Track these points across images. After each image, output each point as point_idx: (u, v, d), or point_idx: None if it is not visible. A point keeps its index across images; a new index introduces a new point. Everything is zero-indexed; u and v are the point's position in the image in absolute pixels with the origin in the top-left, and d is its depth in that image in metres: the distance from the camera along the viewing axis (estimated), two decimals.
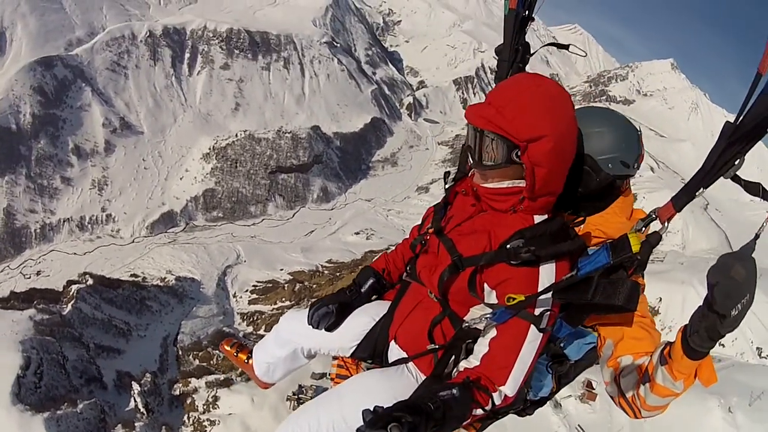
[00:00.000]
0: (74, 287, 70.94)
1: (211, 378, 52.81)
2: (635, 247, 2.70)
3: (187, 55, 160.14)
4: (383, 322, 3.68)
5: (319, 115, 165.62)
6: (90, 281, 75.11)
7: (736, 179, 2.53)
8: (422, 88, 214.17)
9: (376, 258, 4.26)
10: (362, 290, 3.92)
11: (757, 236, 2.32)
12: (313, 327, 3.74)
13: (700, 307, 2.40)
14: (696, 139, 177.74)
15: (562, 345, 3.27)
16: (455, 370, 3.12)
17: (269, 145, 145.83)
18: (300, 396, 45.15)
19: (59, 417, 42.66)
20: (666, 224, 2.75)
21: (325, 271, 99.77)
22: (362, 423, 2.19)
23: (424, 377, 3.34)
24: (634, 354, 3.00)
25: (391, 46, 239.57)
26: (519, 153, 2.82)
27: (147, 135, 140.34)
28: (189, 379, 54.11)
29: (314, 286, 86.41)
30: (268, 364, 4.23)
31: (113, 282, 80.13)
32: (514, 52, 3.78)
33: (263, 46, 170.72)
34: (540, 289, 2.83)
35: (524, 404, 3.40)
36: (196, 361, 63.98)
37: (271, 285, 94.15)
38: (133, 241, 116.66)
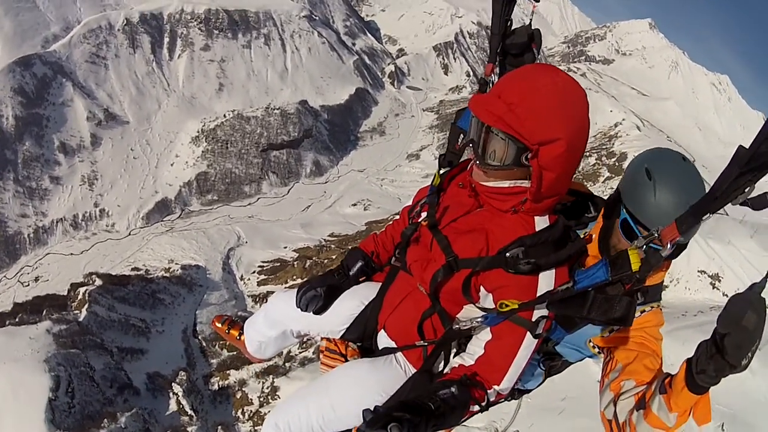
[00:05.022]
0: (82, 290, 69.37)
1: (258, 367, 51.33)
2: (635, 266, 2.67)
3: (166, 40, 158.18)
4: (372, 306, 3.61)
5: (304, 90, 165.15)
6: (98, 281, 73.60)
7: (744, 203, 2.44)
8: (402, 56, 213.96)
9: (364, 239, 4.12)
10: (351, 273, 3.80)
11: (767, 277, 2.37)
12: (301, 310, 3.67)
13: (707, 344, 2.35)
14: (678, 98, 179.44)
15: (555, 346, 3.38)
16: (447, 366, 3.15)
17: (258, 123, 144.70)
18: None
19: None
20: (668, 246, 2.63)
21: (332, 245, 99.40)
22: (362, 422, 2.27)
23: (413, 369, 3.35)
24: (639, 382, 2.89)
25: (367, 15, 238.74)
26: (529, 156, 2.69)
27: (133, 124, 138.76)
28: (227, 372, 53.02)
29: (325, 261, 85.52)
30: (259, 343, 4.21)
31: (121, 279, 78.85)
32: (504, 24, 3.67)
33: (242, 25, 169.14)
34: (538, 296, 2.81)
35: (513, 394, 3.43)
36: (225, 351, 62.85)
37: (279, 264, 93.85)
38: (129, 234, 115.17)
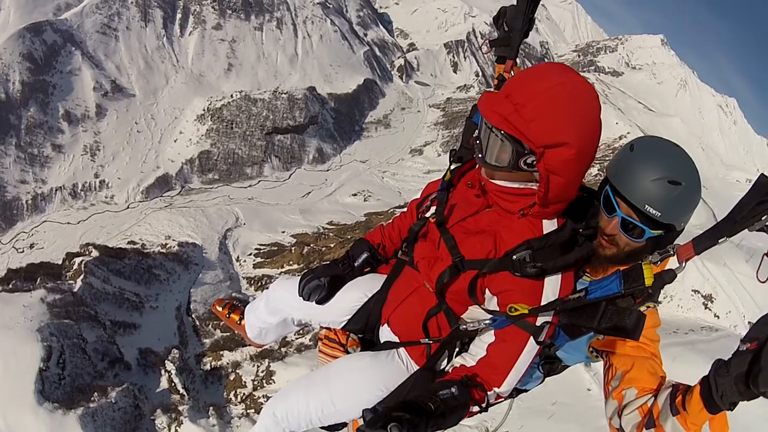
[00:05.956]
0: (78, 260, 68.29)
1: (253, 350, 50.86)
2: (648, 281, 2.65)
3: (178, 16, 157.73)
4: (376, 298, 3.60)
5: (312, 76, 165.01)
6: (94, 252, 72.53)
7: (762, 229, 2.49)
8: (413, 51, 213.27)
9: (371, 230, 4.12)
10: (355, 264, 3.79)
11: None
12: (303, 299, 3.65)
13: (733, 382, 2.24)
14: (684, 116, 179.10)
15: (556, 351, 3.35)
16: (449, 365, 3.19)
17: (265, 105, 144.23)
18: None
19: (94, 411, 40.69)
20: (683, 264, 2.67)
21: (330, 233, 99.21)
22: (362, 422, 2.29)
23: (415, 365, 3.36)
24: (640, 389, 2.87)
25: (380, 7, 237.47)
26: (532, 160, 2.68)
27: (139, 97, 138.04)
28: (220, 353, 52.70)
29: (323, 248, 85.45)
30: (259, 329, 4.21)
31: (118, 252, 77.69)
32: (528, 21, 3.66)
33: (256, 6, 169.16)
34: (544, 301, 2.83)
35: (511, 393, 3.38)
36: (218, 331, 62.61)
37: (276, 248, 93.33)
38: (128, 207, 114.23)
